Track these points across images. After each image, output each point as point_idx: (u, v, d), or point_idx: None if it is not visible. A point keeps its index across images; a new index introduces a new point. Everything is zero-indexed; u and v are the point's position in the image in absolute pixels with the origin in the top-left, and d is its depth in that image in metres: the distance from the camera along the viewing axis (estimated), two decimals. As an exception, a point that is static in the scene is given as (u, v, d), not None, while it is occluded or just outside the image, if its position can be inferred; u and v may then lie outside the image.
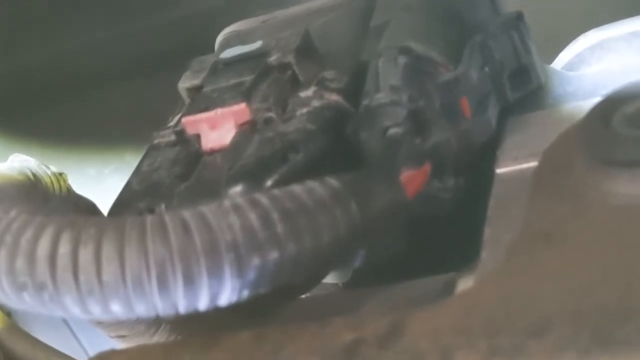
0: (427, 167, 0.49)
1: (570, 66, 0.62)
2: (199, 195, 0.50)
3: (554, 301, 0.37)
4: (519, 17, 0.57)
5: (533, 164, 0.48)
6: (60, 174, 0.56)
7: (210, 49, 0.65)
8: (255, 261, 0.41)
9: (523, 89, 0.57)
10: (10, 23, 1.06)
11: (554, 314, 0.37)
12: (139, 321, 0.50)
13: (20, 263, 0.41)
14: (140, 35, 1.05)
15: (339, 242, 0.43)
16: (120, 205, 0.53)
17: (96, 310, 0.41)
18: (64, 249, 0.41)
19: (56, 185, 0.56)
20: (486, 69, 0.54)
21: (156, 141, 0.57)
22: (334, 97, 0.53)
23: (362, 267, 0.46)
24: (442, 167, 0.51)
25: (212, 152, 0.53)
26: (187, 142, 0.55)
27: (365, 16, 0.60)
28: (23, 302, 0.42)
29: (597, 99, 0.44)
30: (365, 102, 0.51)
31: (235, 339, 0.44)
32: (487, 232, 0.47)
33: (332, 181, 0.44)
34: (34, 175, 0.54)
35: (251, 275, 0.41)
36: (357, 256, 0.45)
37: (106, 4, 1.05)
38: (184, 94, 0.59)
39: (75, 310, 0.41)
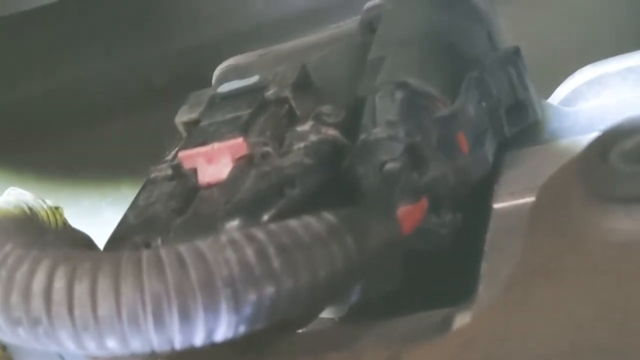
0: (424, 202, 0.49)
1: (566, 101, 0.63)
2: (196, 229, 0.50)
3: (551, 339, 0.37)
4: (516, 52, 0.57)
5: (530, 199, 0.48)
6: (57, 208, 0.56)
7: (208, 83, 0.65)
8: (252, 296, 0.40)
9: (520, 124, 0.57)
10: (8, 56, 1.06)
11: (551, 351, 0.37)
12: (134, 356, 0.49)
13: (15, 298, 0.41)
14: (137, 69, 1.05)
15: (335, 277, 0.43)
16: (117, 239, 0.53)
17: (91, 346, 0.41)
18: (59, 283, 0.40)
19: (52, 219, 0.55)
20: (483, 104, 0.54)
21: (153, 175, 0.57)
22: (331, 132, 0.53)
23: (359, 301, 0.46)
24: (439, 202, 0.51)
25: (209, 186, 0.53)
26: (183, 176, 0.55)
27: (362, 51, 0.60)
28: (18, 337, 0.42)
29: (593, 134, 0.44)
30: (362, 136, 0.51)
31: (231, 375, 0.44)
32: (484, 267, 0.47)
33: (329, 216, 0.44)
34: (30, 209, 0.54)
35: (247, 310, 0.41)
36: (353, 291, 0.45)
37: (103, 39, 1.06)
38: (181, 128, 0.59)
39: (70, 345, 0.41)
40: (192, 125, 0.58)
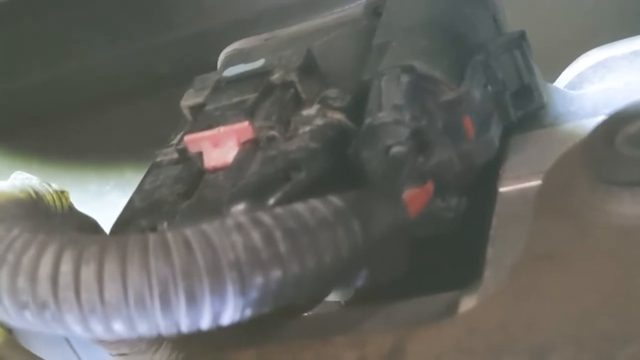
0: (430, 186, 0.49)
1: (572, 85, 0.62)
2: (202, 213, 0.50)
3: (556, 324, 0.37)
4: (521, 36, 0.57)
5: (536, 182, 0.48)
6: (62, 192, 0.56)
7: (211, 70, 0.65)
8: (258, 280, 0.41)
9: (526, 107, 0.57)
10: (12, 43, 1.06)
11: (556, 337, 0.37)
12: (140, 339, 0.50)
13: (22, 282, 0.41)
14: (142, 54, 1.05)
15: (341, 261, 0.43)
16: (123, 223, 0.53)
17: (98, 329, 0.41)
18: (66, 267, 0.40)
19: (58, 203, 0.56)
20: (489, 88, 0.54)
21: (159, 159, 0.57)
22: (337, 116, 0.53)
23: (365, 285, 0.46)
24: (445, 186, 0.51)
25: (215, 170, 0.53)
26: (189, 160, 0.55)
27: (368, 35, 0.60)
28: (25, 321, 0.42)
29: (599, 118, 0.44)
30: (367, 120, 0.51)
31: (238, 358, 0.44)
32: (490, 251, 0.47)
33: (335, 200, 0.44)
34: (36, 193, 0.54)
35: (254, 294, 0.41)
36: (359, 275, 0.45)
37: (108, 25, 1.05)
38: (186, 112, 0.59)
39: (77, 329, 0.41)
40: (197, 109, 0.58)
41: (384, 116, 0.50)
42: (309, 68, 0.57)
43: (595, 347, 0.36)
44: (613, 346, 0.35)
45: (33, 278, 0.41)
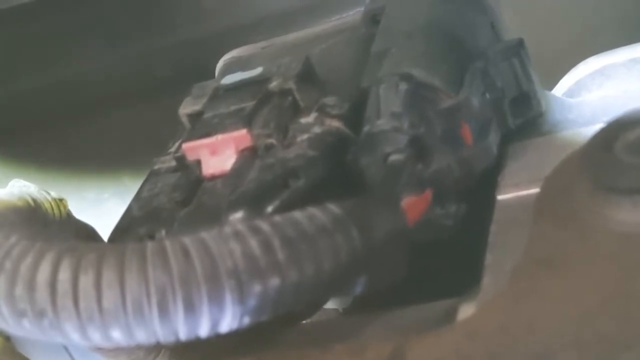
0: (428, 193, 0.49)
1: (570, 93, 0.62)
2: (200, 221, 0.50)
3: (555, 329, 0.37)
4: (519, 43, 0.57)
5: (534, 190, 0.48)
6: (60, 200, 0.56)
7: (210, 75, 0.65)
8: (256, 288, 0.40)
9: (524, 115, 0.57)
10: (10, 48, 1.06)
11: (555, 341, 0.37)
12: (138, 347, 0.50)
13: (20, 290, 0.41)
14: (140, 61, 1.05)
15: (340, 268, 0.43)
16: (121, 230, 0.53)
17: (96, 337, 0.41)
18: (64, 275, 0.40)
19: (56, 211, 0.56)
20: (487, 95, 0.54)
21: (157, 167, 0.57)
22: (335, 124, 0.53)
23: (364, 292, 0.46)
24: (444, 193, 0.51)
25: (213, 177, 0.53)
26: (187, 168, 0.55)
27: (366, 42, 0.60)
28: (23, 329, 0.42)
29: (598, 126, 0.44)
30: (366, 128, 0.51)
31: (236, 366, 0.44)
32: (489, 258, 0.47)
33: (333, 207, 0.44)
34: (34, 200, 0.54)
35: (252, 301, 0.41)
36: (358, 282, 0.45)
37: (106, 30, 1.05)
38: (184, 119, 0.59)
39: (75, 336, 0.41)
40: (195, 117, 0.58)
41: (383, 124, 0.50)
42: (307, 75, 0.57)
43: (596, 350, 0.36)
44: (614, 348, 0.35)
45: (31, 286, 0.41)
